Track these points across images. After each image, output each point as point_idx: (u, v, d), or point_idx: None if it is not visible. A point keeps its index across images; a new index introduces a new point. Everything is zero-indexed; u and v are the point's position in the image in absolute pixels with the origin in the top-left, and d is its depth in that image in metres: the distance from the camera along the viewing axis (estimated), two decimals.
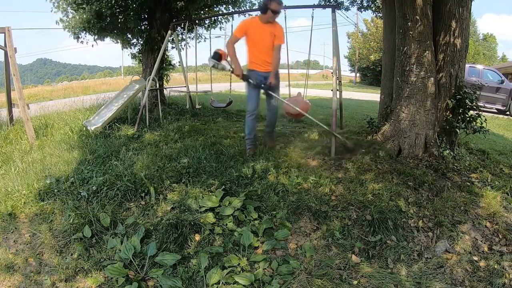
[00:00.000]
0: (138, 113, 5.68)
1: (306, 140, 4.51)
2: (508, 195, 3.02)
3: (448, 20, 3.66)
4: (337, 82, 4.32)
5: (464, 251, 2.38)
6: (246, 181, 3.17)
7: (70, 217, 2.65)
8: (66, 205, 2.83)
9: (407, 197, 2.95)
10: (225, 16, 8.38)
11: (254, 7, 8.33)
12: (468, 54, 4.19)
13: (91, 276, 2.14)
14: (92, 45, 7.74)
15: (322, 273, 2.18)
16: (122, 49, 8.59)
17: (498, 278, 2.13)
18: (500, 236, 2.53)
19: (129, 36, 7.88)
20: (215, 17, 8.50)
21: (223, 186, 3.02)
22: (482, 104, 9.95)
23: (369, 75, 26.77)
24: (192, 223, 2.55)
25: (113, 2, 6.50)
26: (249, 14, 8.07)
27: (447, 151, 3.53)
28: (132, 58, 8.66)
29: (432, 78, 3.54)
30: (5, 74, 5.29)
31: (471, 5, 3.84)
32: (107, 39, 7.86)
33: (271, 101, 4.04)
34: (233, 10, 8.42)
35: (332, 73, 4.43)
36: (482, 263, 2.27)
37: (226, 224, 2.58)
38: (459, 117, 3.72)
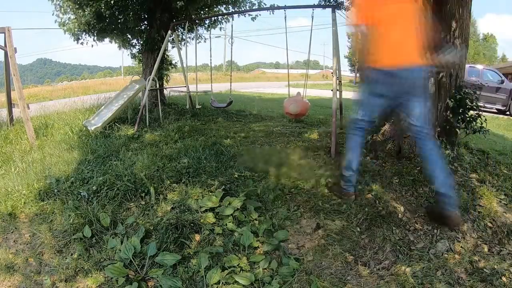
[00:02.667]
0: (138, 113, 5.68)
1: (306, 140, 4.51)
2: (508, 195, 3.02)
3: (448, 20, 3.66)
4: (337, 82, 4.32)
5: (464, 251, 2.38)
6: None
7: (70, 217, 2.65)
8: (66, 205, 2.83)
9: (407, 197, 2.95)
10: (225, 16, 8.38)
11: (254, 7, 8.33)
12: (468, 54, 4.18)
13: (91, 276, 2.14)
14: (92, 46, 7.76)
15: (322, 274, 2.18)
16: (120, 49, 8.60)
17: (498, 278, 2.13)
18: (500, 236, 2.53)
19: (129, 36, 7.89)
20: (215, 17, 8.50)
21: (223, 186, 3.02)
22: (482, 104, 9.95)
23: None
24: (192, 223, 2.55)
25: (112, 3, 6.51)
26: (249, 14, 8.11)
27: (447, 151, 3.52)
28: (132, 58, 8.68)
29: (432, 78, 3.54)
30: (5, 74, 5.29)
31: (471, 5, 3.83)
32: (107, 40, 7.88)
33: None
34: (233, 10, 8.42)
35: (332, 73, 4.43)
36: (482, 263, 2.27)
37: (226, 224, 2.58)
38: (459, 117, 3.71)
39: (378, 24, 2.29)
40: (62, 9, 6.98)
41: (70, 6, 6.84)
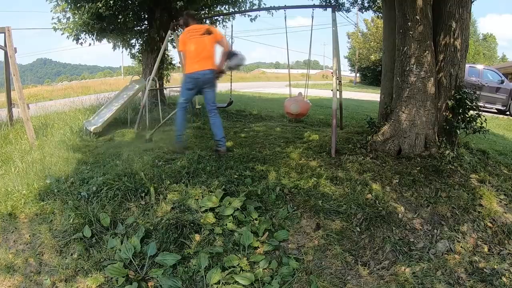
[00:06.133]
0: (138, 113, 5.68)
1: (306, 141, 4.51)
2: (508, 195, 3.02)
3: (448, 20, 3.66)
4: (337, 82, 4.32)
5: (465, 251, 2.38)
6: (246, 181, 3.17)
7: (70, 217, 2.65)
8: (66, 205, 2.83)
9: (407, 197, 2.95)
10: (225, 16, 8.38)
11: (254, 7, 8.33)
12: (468, 54, 4.19)
13: (91, 276, 2.14)
14: (89, 44, 7.77)
15: (322, 274, 2.18)
16: (114, 50, 8.61)
17: (498, 278, 2.13)
18: (500, 236, 2.53)
19: (129, 36, 7.90)
20: (215, 17, 8.50)
21: (223, 186, 3.02)
22: (482, 104, 9.94)
23: (369, 75, 26.75)
24: (192, 223, 2.55)
25: (112, 3, 6.51)
26: (248, 15, 8.11)
27: (447, 151, 3.53)
28: (132, 58, 8.69)
29: (432, 78, 3.54)
30: (5, 74, 5.29)
31: (471, 5, 3.84)
32: (106, 39, 7.89)
33: None
34: (233, 10, 8.43)
35: (332, 73, 4.43)
36: (482, 263, 2.27)
37: (226, 224, 2.58)
38: (459, 117, 3.72)
39: (190, 49, 3.96)
40: (60, 7, 6.99)
41: (69, 8, 6.86)
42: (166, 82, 8.54)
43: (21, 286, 2.19)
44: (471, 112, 3.74)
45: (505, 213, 2.77)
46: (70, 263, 2.27)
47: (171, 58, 8.59)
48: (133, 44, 8.20)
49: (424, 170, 3.28)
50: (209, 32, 3.99)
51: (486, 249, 2.42)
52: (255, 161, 3.63)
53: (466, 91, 3.70)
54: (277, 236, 2.49)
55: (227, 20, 8.78)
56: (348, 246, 2.43)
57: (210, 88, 4.04)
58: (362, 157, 3.60)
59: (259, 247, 2.40)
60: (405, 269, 2.20)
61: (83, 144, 4.61)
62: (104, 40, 7.97)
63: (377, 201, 2.84)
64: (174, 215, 2.65)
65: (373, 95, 13.94)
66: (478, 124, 3.75)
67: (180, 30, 8.17)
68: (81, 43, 7.52)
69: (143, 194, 2.98)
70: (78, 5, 6.67)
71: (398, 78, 3.73)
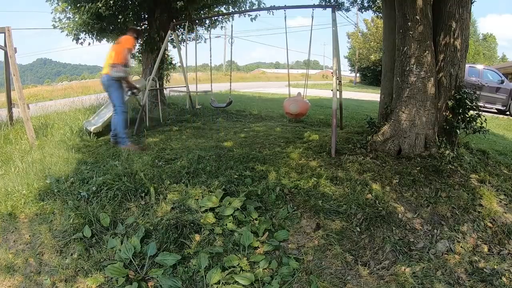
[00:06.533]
0: (138, 113, 5.68)
1: (306, 141, 4.51)
2: (508, 195, 3.02)
3: (448, 21, 3.66)
4: (337, 82, 4.32)
5: (465, 251, 2.38)
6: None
7: (70, 217, 2.65)
8: (66, 205, 2.83)
9: (407, 197, 2.95)
10: (225, 16, 8.39)
11: (254, 7, 8.33)
12: (468, 54, 4.19)
13: (91, 276, 2.14)
14: (89, 44, 7.78)
15: (322, 274, 2.18)
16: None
17: (498, 278, 2.13)
18: (500, 236, 2.53)
19: None
20: (215, 17, 8.51)
21: (223, 186, 3.02)
22: (482, 104, 9.94)
23: (369, 75, 26.74)
24: (192, 223, 2.55)
25: (112, 3, 6.51)
26: (248, 15, 8.11)
27: (447, 151, 3.52)
28: (132, 58, 8.67)
29: (432, 78, 3.54)
30: (5, 74, 5.29)
31: (471, 5, 3.84)
32: (106, 40, 7.90)
33: None
34: (233, 10, 8.43)
35: (332, 73, 4.43)
36: (482, 263, 2.27)
37: (226, 224, 2.58)
38: (459, 117, 3.72)
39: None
40: (60, 7, 7.00)
41: (69, 8, 6.87)
42: (166, 82, 8.54)
43: (21, 286, 2.19)
44: (471, 112, 3.74)
45: (505, 213, 2.77)
46: (70, 263, 2.27)
47: (171, 58, 8.59)
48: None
49: (424, 170, 3.28)
50: (118, 42, 4.51)
51: (486, 249, 2.42)
52: (255, 161, 3.63)
53: (466, 91, 3.70)
54: (277, 236, 2.49)
55: (227, 21, 8.80)
56: (348, 246, 2.43)
57: (109, 90, 4.45)
58: (362, 157, 3.60)
59: (259, 247, 2.40)
60: (405, 269, 2.20)
61: (83, 144, 4.61)
62: (104, 40, 7.98)
63: (377, 201, 2.84)
64: (174, 215, 2.65)
65: (373, 95, 13.93)
66: (478, 124, 3.75)
67: (180, 30, 8.20)
68: (81, 43, 7.53)
69: (143, 194, 2.98)
70: (78, 5, 6.68)
71: (398, 78, 3.73)
